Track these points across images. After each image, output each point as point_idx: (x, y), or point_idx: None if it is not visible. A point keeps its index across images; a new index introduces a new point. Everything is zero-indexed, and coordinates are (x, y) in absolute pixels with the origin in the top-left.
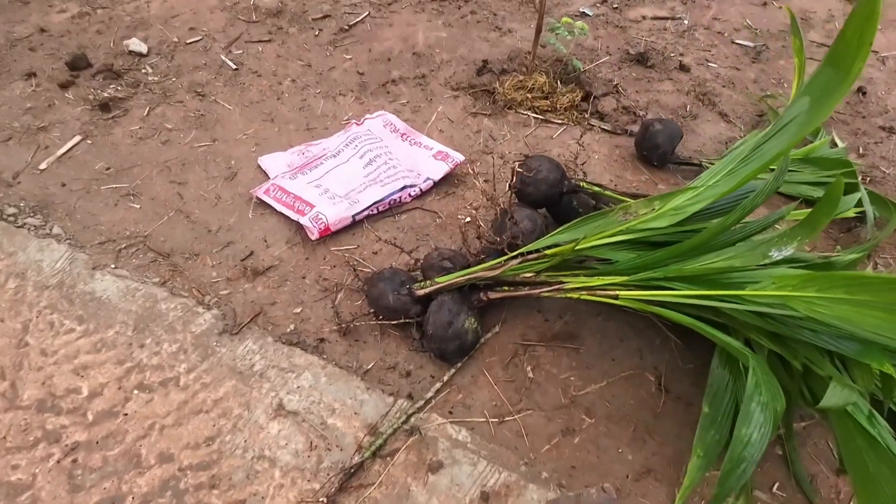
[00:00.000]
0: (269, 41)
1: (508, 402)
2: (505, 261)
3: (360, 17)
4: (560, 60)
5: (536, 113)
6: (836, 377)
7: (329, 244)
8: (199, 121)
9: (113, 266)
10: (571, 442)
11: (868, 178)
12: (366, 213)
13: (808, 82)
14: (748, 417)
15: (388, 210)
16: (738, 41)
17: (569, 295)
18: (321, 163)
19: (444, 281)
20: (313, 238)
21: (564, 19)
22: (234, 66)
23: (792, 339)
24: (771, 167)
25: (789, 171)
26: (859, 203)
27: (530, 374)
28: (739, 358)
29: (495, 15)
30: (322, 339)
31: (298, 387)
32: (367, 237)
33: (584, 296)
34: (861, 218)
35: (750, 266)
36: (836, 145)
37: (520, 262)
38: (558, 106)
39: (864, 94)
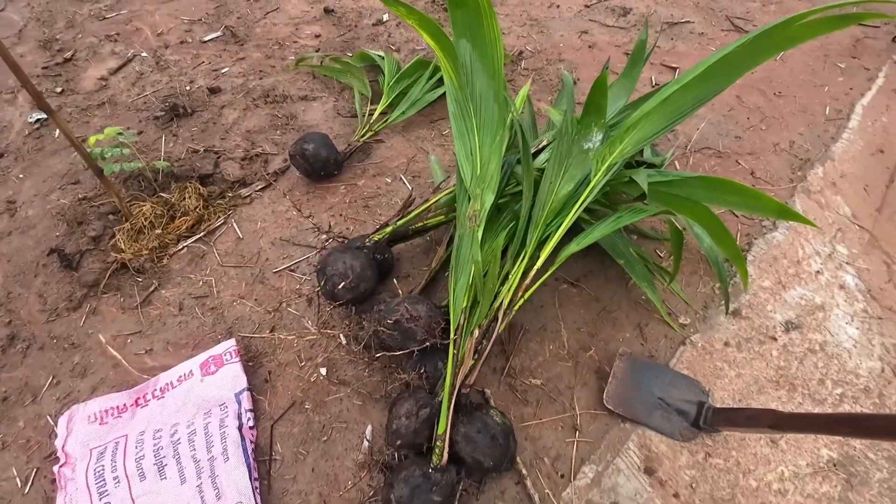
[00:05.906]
0: None
1: (590, 405)
2: (464, 348)
3: None
4: (139, 176)
5: (189, 236)
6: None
7: None
8: None
9: None
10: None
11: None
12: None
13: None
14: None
15: (263, 461)
16: (205, 39)
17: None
18: None
19: (443, 429)
20: None
21: (92, 139)
22: None
23: None
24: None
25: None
26: None
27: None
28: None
29: None
30: None
31: None
32: None
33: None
34: None
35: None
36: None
37: (477, 328)
38: (195, 212)
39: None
